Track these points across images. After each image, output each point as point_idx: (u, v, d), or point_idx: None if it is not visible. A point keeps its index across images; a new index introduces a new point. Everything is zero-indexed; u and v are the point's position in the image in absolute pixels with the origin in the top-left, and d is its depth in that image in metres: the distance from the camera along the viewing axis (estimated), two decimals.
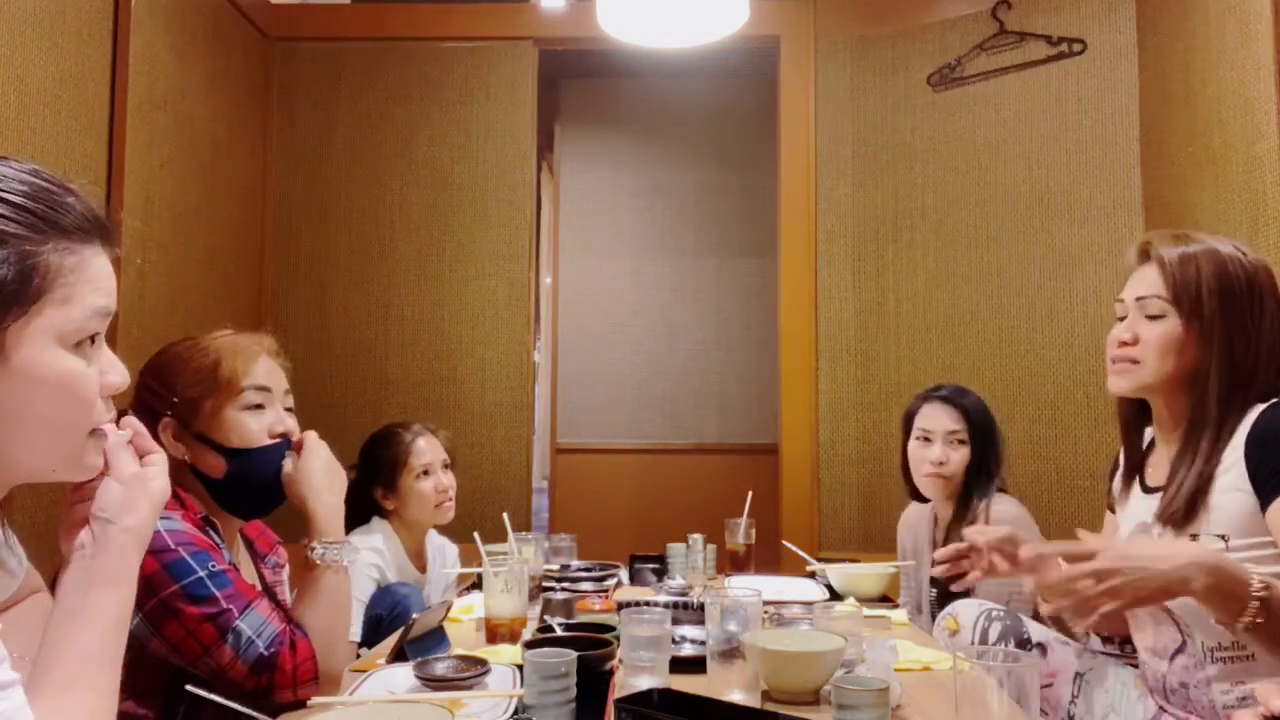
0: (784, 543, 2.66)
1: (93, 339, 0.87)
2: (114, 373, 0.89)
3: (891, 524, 2.56)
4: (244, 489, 1.42)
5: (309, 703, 1.26)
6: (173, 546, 1.27)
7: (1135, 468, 1.59)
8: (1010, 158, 3.07)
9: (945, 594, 2.03)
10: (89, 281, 0.85)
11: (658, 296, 4.63)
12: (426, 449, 2.30)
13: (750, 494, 2.45)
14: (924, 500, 2.32)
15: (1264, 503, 1.33)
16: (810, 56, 3.34)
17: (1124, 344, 1.48)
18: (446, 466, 2.34)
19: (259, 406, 1.42)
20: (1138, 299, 1.48)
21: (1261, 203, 2.12)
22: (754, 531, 2.41)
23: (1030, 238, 3.03)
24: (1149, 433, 1.60)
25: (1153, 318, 1.45)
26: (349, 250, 3.32)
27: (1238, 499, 1.36)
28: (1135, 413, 1.59)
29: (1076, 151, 2.96)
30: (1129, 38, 2.87)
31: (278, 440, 1.43)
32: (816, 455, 3.25)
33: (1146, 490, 1.55)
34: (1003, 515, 2.08)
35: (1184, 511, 1.39)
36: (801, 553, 2.38)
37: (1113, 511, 1.68)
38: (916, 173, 3.23)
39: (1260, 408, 1.39)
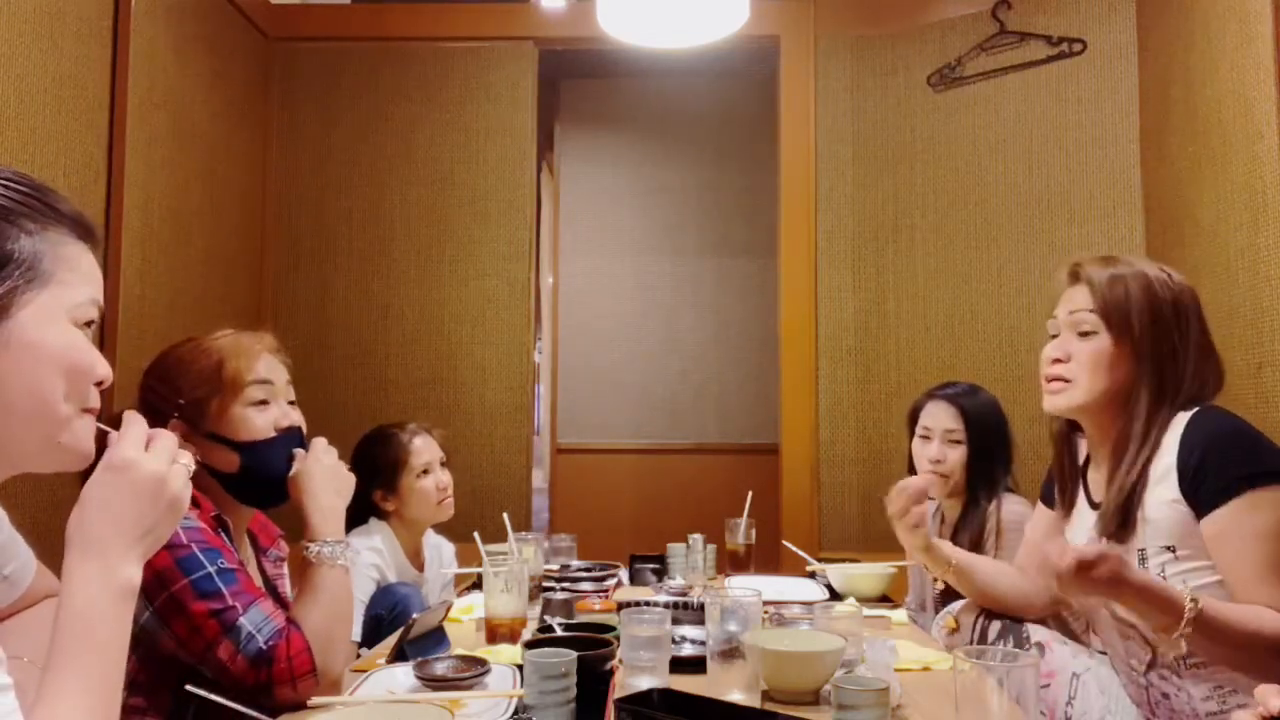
0: (784, 543, 2.66)
1: (88, 327, 0.91)
2: (101, 366, 0.93)
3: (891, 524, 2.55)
4: (258, 480, 1.47)
5: (309, 702, 1.26)
6: (186, 542, 1.31)
7: (1070, 482, 1.63)
8: (1010, 158, 3.07)
9: (949, 592, 2.04)
10: (83, 271, 0.91)
11: (658, 296, 4.63)
12: (424, 448, 2.30)
13: (750, 494, 2.45)
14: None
15: (1197, 514, 1.37)
16: (810, 56, 3.34)
17: (1056, 361, 1.53)
18: (443, 464, 2.34)
19: (263, 402, 1.47)
20: (1070, 313, 1.53)
21: (1261, 203, 2.11)
22: (754, 531, 2.41)
23: (1030, 238, 3.02)
24: (1084, 445, 1.65)
25: (1084, 335, 1.50)
26: (349, 250, 3.32)
27: (1174, 511, 1.39)
28: (1068, 430, 1.64)
29: (1076, 151, 2.96)
30: (1129, 38, 2.87)
31: (284, 432, 1.48)
32: (816, 455, 3.25)
33: (1093, 505, 1.58)
34: (1013, 515, 2.08)
35: (1117, 525, 1.44)
36: (801, 553, 2.37)
37: (1047, 506, 1.74)
38: (916, 173, 3.23)
39: (1185, 417, 1.42)
